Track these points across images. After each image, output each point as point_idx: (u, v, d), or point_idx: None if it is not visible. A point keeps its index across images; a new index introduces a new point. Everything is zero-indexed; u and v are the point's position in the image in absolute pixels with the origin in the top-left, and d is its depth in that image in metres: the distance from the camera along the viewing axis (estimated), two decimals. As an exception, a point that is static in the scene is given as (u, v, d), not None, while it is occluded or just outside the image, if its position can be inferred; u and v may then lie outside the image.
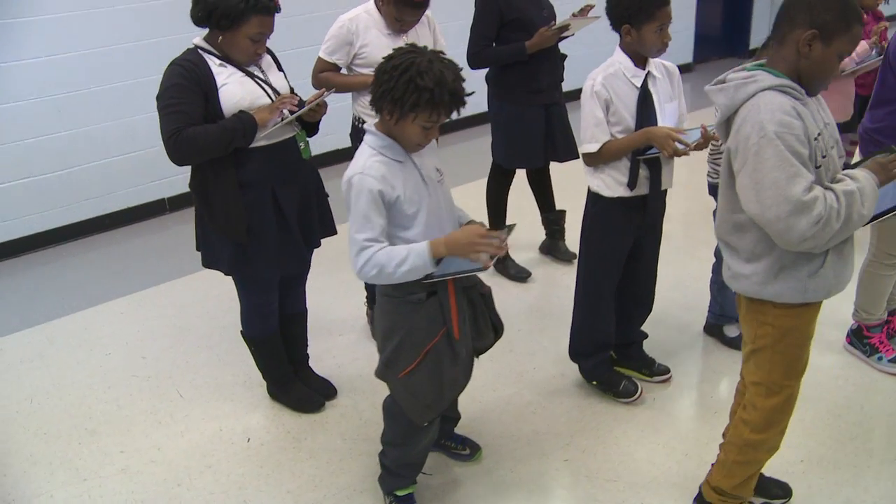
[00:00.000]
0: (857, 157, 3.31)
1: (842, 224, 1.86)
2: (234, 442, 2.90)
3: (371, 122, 3.07)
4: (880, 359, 3.14)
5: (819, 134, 1.90)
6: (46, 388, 3.28)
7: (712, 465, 2.37)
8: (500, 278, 4.03)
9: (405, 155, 2.12)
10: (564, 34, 3.46)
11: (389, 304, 2.24)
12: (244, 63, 2.59)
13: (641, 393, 2.99)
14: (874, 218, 1.99)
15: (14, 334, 3.74)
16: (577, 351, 3.01)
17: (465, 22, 3.54)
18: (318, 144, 2.62)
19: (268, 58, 2.73)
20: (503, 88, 3.56)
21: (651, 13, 2.46)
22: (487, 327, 2.40)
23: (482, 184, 4.10)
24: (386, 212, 2.08)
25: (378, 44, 3.01)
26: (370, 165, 2.07)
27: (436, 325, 2.20)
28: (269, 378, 3.06)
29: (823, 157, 1.91)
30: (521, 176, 4.06)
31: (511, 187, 4.04)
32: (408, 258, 2.03)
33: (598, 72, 2.61)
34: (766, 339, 2.11)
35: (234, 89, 2.53)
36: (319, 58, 3.12)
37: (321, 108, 2.67)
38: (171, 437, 2.94)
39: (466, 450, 2.74)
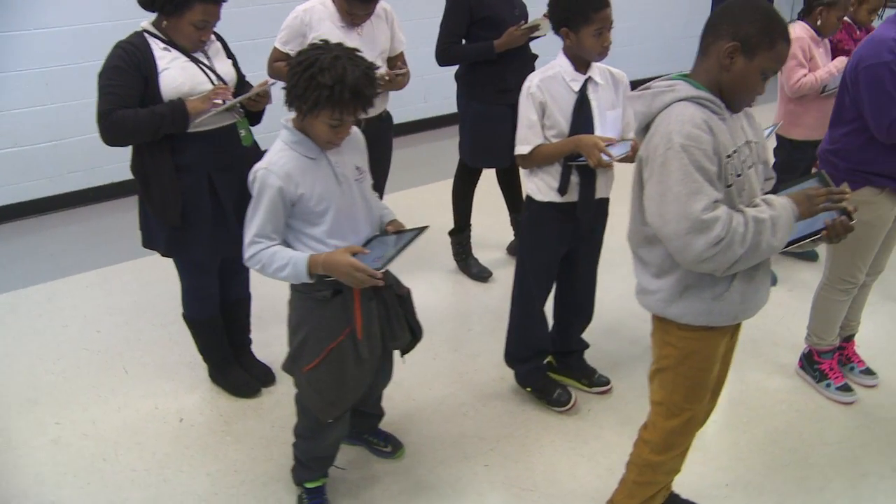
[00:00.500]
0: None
1: (747, 251, 1.78)
2: (167, 421, 2.94)
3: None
4: (828, 385, 3.06)
5: (734, 151, 1.83)
6: (-2, 355, 3.37)
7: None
8: (461, 276, 4.03)
9: (318, 152, 2.12)
10: (535, 34, 3.42)
11: (297, 299, 2.26)
12: (189, 49, 2.60)
13: (575, 403, 2.96)
14: (792, 243, 1.92)
15: (-21, 300, 3.84)
16: (512, 355, 2.99)
17: (437, 20, 3.51)
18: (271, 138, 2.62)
19: (217, 44, 2.74)
20: (471, 87, 3.54)
21: (588, 16, 2.41)
22: (403, 329, 2.40)
23: (451, 183, 4.08)
24: (289, 208, 2.10)
25: (331, 36, 2.92)
26: (276, 161, 2.08)
27: (340, 324, 2.20)
28: (207, 360, 3.09)
29: (738, 175, 1.84)
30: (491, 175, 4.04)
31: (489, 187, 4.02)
32: (287, 266, 2.09)
33: (537, 73, 2.58)
34: (669, 360, 2.07)
35: (175, 74, 2.55)
36: (274, 47, 3.12)
37: (263, 98, 2.67)
38: (108, 412, 2.99)
39: (388, 447, 2.74)
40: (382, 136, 3.31)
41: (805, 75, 3.60)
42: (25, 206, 4.74)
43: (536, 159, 2.59)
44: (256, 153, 2.83)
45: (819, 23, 3.58)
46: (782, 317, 3.61)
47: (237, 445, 2.81)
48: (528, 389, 3.01)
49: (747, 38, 1.77)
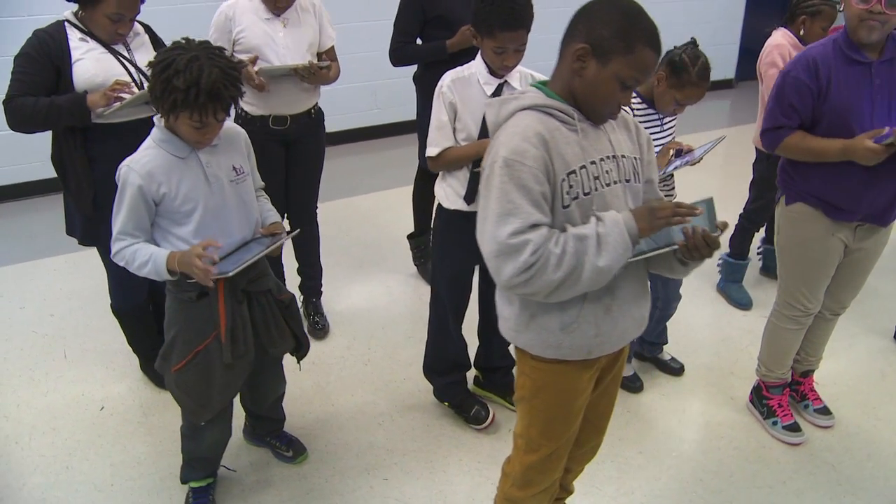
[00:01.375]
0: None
1: (565, 275, 1.59)
2: (89, 408, 2.97)
3: (253, 111, 3.07)
4: (775, 423, 2.83)
5: (582, 167, 1.65)
6: (-45, 332, 3.48)
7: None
8: (420, 281, 3.93)
9: (188, 151, 2.08)
10: None
11: (169, 299, 2.23)
12: (107, 41, 2.61)
13: (492, 421, 2.83)
14: (640, 253, 1.70)
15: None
16: (430, 368, 2.88)
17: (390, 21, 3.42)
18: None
19: (143, 36, 2.73)
20: (426, 88, 3.43)
21: (492, 31, 2.29)
22: (283, 335, 2.34)
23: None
24: (153, 207, 2.07)
25: (254, 29, 2.95)
26: (138, 159, 2.05)
27: (207, 327, 2.17)
28: (135, 350, 3.10)
29: (586, 194, 1.66)
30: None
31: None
32: (148, 262, 2.06)
33: (450, 73, 2.46)
34: (524, 391, 1.92)
35: (88, 65, 2.55)
36: None
37: None
38: (36, 395, 3.04)
39: (290, 452, 2.69)
40: (312, 132, 3.25)
41: None
42: (20, 188, 4.91)
43: (444, 162, 2.47)
44: None
45: (802, 32, 3.32)
46: (747, 345, 3.38)
47: (147, 438, 2.81)
48: (446, 404, 2.90)
49: (600, 40, 1.59)
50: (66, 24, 2.58)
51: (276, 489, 2.59)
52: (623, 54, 1.59)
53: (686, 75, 2.52)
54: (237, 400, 2.57)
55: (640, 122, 2.58)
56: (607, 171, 1.71)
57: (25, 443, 2.78)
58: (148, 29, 2.77)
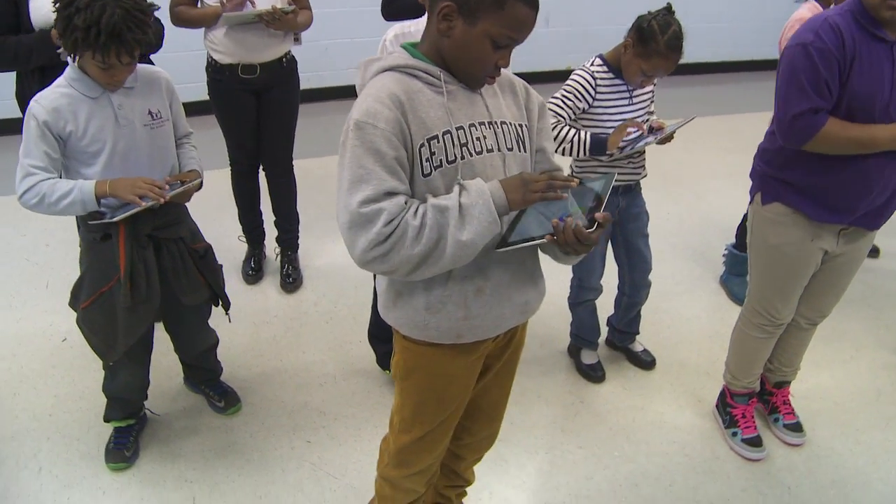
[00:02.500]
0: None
1: (425, 249, 1.44)
2: (51, 339, 3.05)
3: (222, 59, 3.02)
4: (735, 434, 2.60)
5: (445, 133, 1.49)
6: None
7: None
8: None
9: (100, 91, 2.05)
10: None
11: (80, 237, 2.22)
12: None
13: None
14: (507, 245, 1.52)
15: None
16: (374, 335, 2.79)
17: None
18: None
19: None
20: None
21: None
22: (195, 284, 2.31)
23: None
24: (61, 144, 2.04)
25: None
26: (47, 95, 2.03)
27: (112, 269, 2.16)
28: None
29: (451, 162, 1.50)
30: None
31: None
32: (72, 191, 2.01)
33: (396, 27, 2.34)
34: (397, 370, 1.80)
35: (44, 2, 2.55)
36: None
37: None
38: (7, 321, 3.16)
39: (222, 402, 2.69)
40: (284, 81, 3.17)
41: None
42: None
43: None
44: None
45: (833, 4, 2.95)
46: (733, 345, 3.11)
47: (97, 374, 2.79)
48: (387, 372, 2.82)
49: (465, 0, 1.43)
50: None
51: (201, 438, 2.58)
52: (492, 11, 1.42)
53: (654, 44, 2.28)
54: (169, 347, 2.59)
55: (606, 93, 2.41)
56: (478, 139, 1.54)
57: (-16, 367, 2.89)
58: None
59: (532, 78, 5.66)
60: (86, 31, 1.85)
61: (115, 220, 2.04)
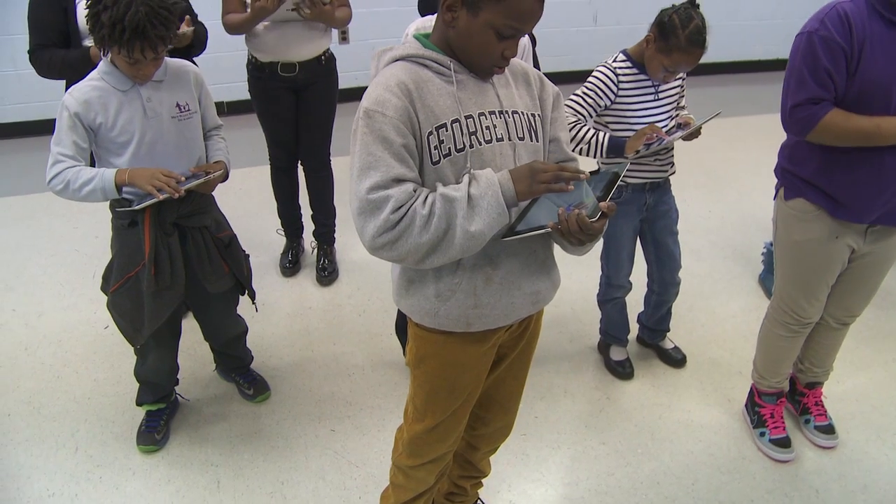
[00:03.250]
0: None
1: (434, 238, 1.46)
2: (95, 326, 3.18)
3: (262, 57, 3.09)
4: (763, 434, 2.54)
5: (454, 121, 1.51)
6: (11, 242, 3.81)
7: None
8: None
9: (130, 84, 2.13)
10: None
11: (113, 221, 2.32)
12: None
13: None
14: (513, 234, 1.53)
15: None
16: (401, 327, 2.81)
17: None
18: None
19: None
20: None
21: None
22: (219, 272, 2.38)
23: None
24: (91, 135, 2.13)
25: None
26: (80, 87, 2.12)
27: (138, 255, 2.24)
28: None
29: (459, 150, 1.51)
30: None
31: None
32: (94, 179, 2.10)
33: None
34: (411, 357, 1.83)
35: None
36: None
37: (184, 38, 2.71)
38: (57, 309, 3.30)
39: (251, 390, 2.75)
40: (323, 78, 3.22)
41: None
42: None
43: None
44: None
45: None
46: (769, 345, 3.04)
47: (134, 361, 2.96)
48: (412, 365, 2.84)
49: None
50: None
51: (229, 423, 2.65)
52: (493, 3, 1.43)
53: (674, 39, 2.24)
54: (199, 337, 2.67)
55: (629, 89, 2.39)
56: (488, 127, 1.55)
57: (33, 350, 3.02)
58: None
59: (579, 76, 5.55)
60: (111, 27, 1.93)
61: (137, 208, 2.12)
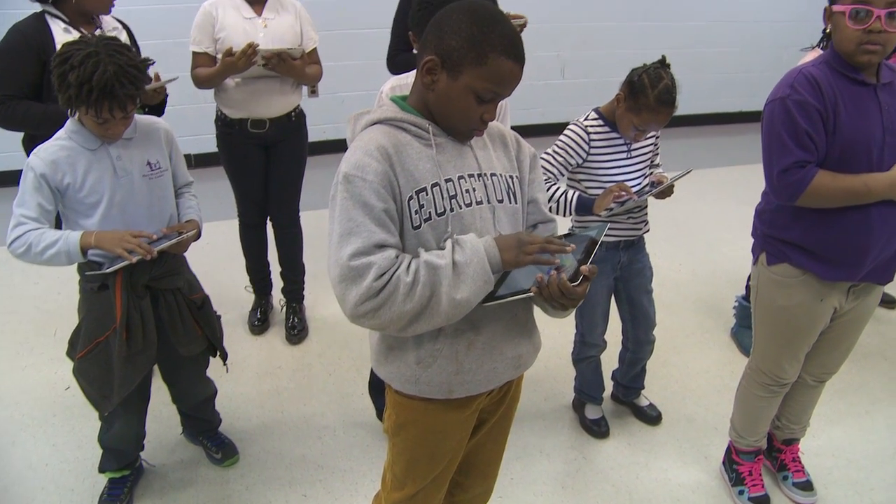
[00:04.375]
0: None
1: (418, 306, 1.43)
2: (55, 387, 3.06)
3: (231, 114, 3.08)
4: (742, 492, 2.51)
5: (434, 185, 1.50)
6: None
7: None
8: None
9: (99, 143, 2.08)
10: None
11: (81, 285, 2.25)
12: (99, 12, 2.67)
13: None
14: (494, 299, 1.50)
15: None
16: (375, 386, 2.76)
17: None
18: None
19: (122, 33, 2.79)
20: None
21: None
22: (192, 335, 2.31)
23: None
24: (57, 196, 2.07)
25: (235, 28, 2.93)
26: (47, 147, 2.07)
27: (108, 319, 2.18)
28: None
29: (440, 214, 1.50)
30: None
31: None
32: (57, 241, 2.03)
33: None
34: (390, 424, 1.78)
35: None
36: (192, 52, 3.03)
37: (157, 93, 2.70)
38: (13, 368, 3.19)
39: (219, 454, 2.66)
40: (293, 135, 3.21)
41: None
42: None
43: None
44: None
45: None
46: (743, 400, 3.03)
47: (97, 424, 2.82)
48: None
49: (449, 51, 1.43)
50: (45, 15, 2.66)
51: (196, 490, 2.55)
52: (474, 65, 1.43)
53: (644, 98, 2.27)
54: (165, 399, 2.58)
55: (601, 147, 2.40)
56: (467, 191, 1.54)
57: (-16, 412, 2.90)
58: (126, 28, 2.83)
59: (548, 130, 5.66)
60: (79, 87, 1.90)
61: (108, 271, 2.06)
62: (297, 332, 3.42)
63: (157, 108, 2.82)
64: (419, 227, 1.50)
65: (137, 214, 2.15)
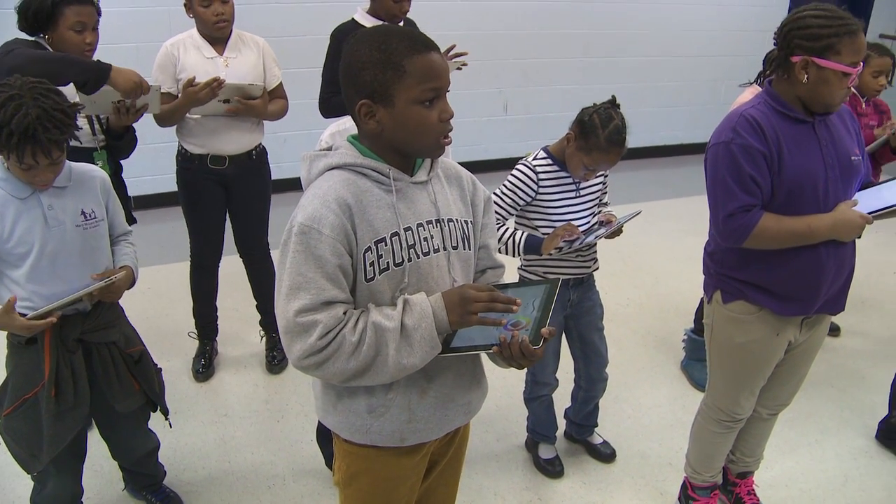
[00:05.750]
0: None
1: (361, 365, 1.41)
2: None
3: (192, 149, 3.05)
4: (698, 529, 2.51)
5: (393, 235, 1.46)
6: None
7: None
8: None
9: (29, 192, 1.99)
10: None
11: (8, 338, 2.14)
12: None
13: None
14: (450, 352, 1.49)
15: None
16: (322, 433, 2.68)
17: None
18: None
19: None
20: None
21: None
22: (128, 390, 2.22)
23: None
24: None
25: (197, 67, 2.90)
26: None
27: (37, 375, 2.07)
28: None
29: (398, 264, 1.47)
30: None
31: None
32: None
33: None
34: (339, 475, 1.72)
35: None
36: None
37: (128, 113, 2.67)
38: None
39: (164, 508, 2.55)
40: (254, 173, 3.18)
41: None
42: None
43: None
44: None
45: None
46: (696, 434, 3.04)
47: (30, 484, 2.68)
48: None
49: (370, 85, 1.40)
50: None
51: (138, 550, 2.44)
52: (398, 81, 1.39)
53: (594, 139, 2.28)
54: (105, 452, 2.47)
55: (550, 186, 2.41)
56: (425, 239, 1.51)
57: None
58: None
59: (491, 165, 5.68)
60: None
61: (30, 316, 1.96)
62: (277, 361, 3.44)
63: (131, 141, 2.85)
64: (373, 279, 1.47)
65: (69, 265, 2.05)
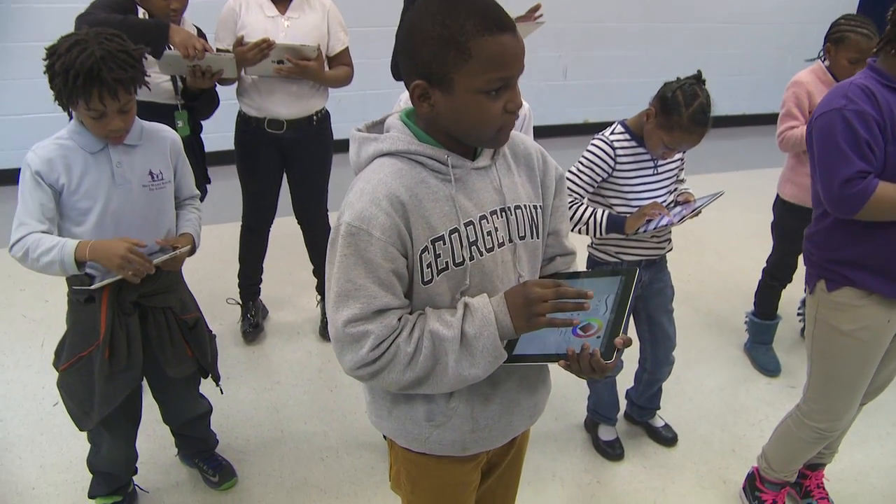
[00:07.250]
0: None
1: (418, 374, 1.30)
2: (42, 402, 2.91)
3: (248, 112, 3.00)
4: (764, 522, 2.41)
5: (452, 232, 1.32)
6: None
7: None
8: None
9: (100, 146, 1.95)
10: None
11: (68, 296, 2.11)
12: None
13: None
14: (515, 360, 1.36)
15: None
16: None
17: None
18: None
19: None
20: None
21: None
22: (180, 356, 2.19)
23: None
24: (56, 197, 1.93)
25: (256, 25, 2.83)
26: (44, 145, 1.95)
27: (92, 335, 2.05)
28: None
29: (458, 264, 1.33)
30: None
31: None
32: (53, 249, 1.89)
33: None
34: (400, 479, 1.64)
35: None
36: (215, 49, 2.88)
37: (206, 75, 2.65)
38: (2, 382, 3.03)
39: (216, 476, 2.53)
40: (314, 139, 3.08)
41: (793, 128, 2.95)
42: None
43: None
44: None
45: (827, 63, 2.92)
46: (761, 420, 2.93)
47: (86, 445, 2.69)
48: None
49: (427, 65, 1.24)
50: None
51: (191, 517, 2.43)
52: (461, 65, 1.22)
53: (676, 117, 2.13)
54: (158, 416, 2.45)
55: (628, 163, 2.28)
56: (489, 233, 1.37)
57: (-30, 430, 2.75)
58: (203, 35, 2.83)
59: (551, 131, 5.51)
60: (65, 74, 1.78)
61: (95, 287, 1.93)
62: None
63: (209, 103, 2.82)
64: (430, 281, 1.34)
65: (132, 225, 2.01)
